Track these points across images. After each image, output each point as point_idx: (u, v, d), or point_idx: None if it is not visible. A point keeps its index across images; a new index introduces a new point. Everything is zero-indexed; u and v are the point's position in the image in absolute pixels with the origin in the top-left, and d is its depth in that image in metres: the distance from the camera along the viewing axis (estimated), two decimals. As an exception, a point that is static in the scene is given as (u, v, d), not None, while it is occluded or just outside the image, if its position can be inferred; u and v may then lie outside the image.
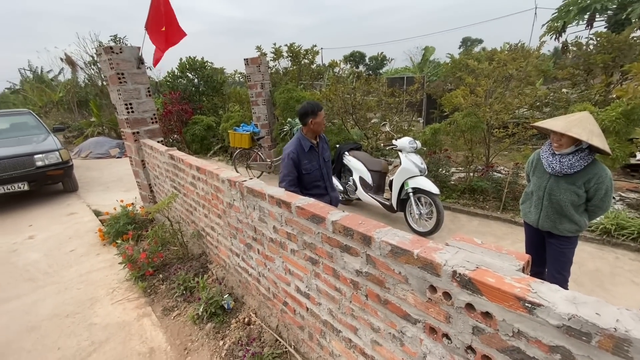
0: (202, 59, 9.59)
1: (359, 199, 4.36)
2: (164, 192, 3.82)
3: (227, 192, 2.29)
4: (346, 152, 4.50)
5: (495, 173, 4.75)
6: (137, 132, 4.03)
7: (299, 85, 7.32)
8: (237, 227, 2.34)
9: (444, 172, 4.66)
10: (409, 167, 3.64)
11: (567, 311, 0.77)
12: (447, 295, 1.03)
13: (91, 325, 2.51)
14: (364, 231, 1.28)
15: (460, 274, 0.97)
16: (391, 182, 3.88)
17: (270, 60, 7.51)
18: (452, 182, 4.77)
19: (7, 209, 5.19)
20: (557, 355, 0.82)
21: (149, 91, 4.07)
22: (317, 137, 2.59)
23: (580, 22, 8.34)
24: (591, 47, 5.61)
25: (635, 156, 4.77)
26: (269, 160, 6.14)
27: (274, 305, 2.23)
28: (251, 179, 2.14)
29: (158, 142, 3.97)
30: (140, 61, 3.90)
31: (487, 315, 0.94)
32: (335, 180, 4.39)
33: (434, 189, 3.48)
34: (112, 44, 11.03)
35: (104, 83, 11.80)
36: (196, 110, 9.31)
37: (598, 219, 3.41)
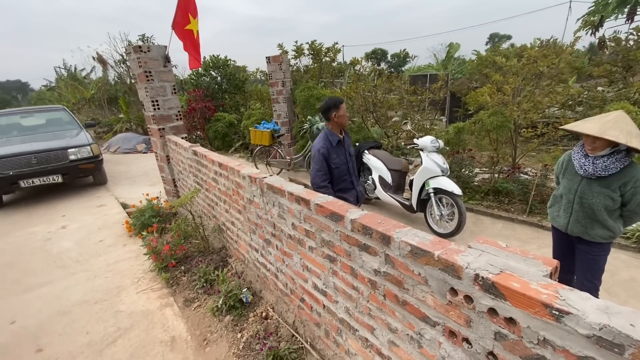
0: (225, 57, 9.80)
1: (377, 198, 4.31)
2: (187, 187, 3.93)
3: (247, 188, 2.33)
4: (366, 151, 4.46)
5: (521, 175, 4.55)
6: (163, 129, 4.17)
7: (319, 83, 7.32)
8: (256, 223, 2.38)
9: (467, 172, 4.53)
10: (431, 167, 3.56)
11: (599, 321, 0.73)
12: (468, 298, 1.00)
13: (117, 313, 2.63)
14: (383, 230, 1.27)
15: (483, 277, 0.94)
16: (411, 181, 3.81)
17: (292, 58, 7.55)
18: (476, 183, 4.63)
19: (43, 200, 5.53)
20: (586, 366, 0.78)
21: (174, 89, 4.19)
22: (342, 131, 2.66)
23: (620, 16, 7.84)
24: (631, 42, 5.30)
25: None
26: (288, 157, 6.18)
27: (291, 301, 2.25)
28: (271, 175, 2.17)
29: (182, 138, 4.08)
30: (167, 59, 4.02)
31: (510, 321, 0.91)
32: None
33: (457, 190, 3.39)
34: (140, 43, 11.46)
35: (133, 81, 12.26)
36: (219, 107, 9.49)
37: (634, 225, 3.21)
